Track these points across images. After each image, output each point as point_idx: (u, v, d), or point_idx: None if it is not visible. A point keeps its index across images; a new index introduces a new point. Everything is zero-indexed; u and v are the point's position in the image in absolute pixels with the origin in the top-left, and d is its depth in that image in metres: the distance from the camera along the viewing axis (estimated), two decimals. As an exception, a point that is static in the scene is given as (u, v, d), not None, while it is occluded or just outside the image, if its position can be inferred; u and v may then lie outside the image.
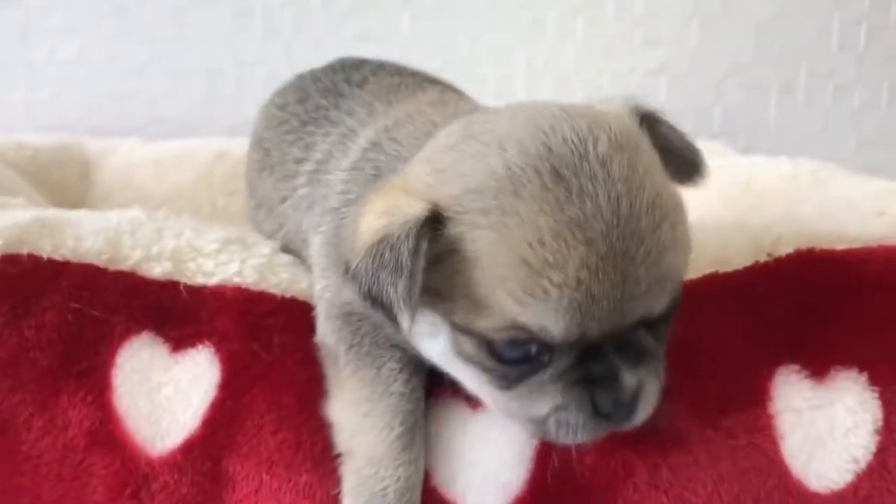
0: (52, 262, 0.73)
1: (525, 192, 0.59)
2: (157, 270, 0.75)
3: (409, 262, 0.59)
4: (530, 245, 0.58)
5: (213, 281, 0.75)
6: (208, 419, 0.68)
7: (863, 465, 0.66)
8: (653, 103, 0.68)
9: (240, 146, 1.76)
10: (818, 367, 0.68)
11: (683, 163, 0.70)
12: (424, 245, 0.60)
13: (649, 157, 0.64)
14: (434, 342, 0.66)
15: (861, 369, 0.68)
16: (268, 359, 0.70)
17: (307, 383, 0.70)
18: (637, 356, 0.62)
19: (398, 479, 0.65)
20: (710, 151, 1.59)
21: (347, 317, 0.72)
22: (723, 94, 2.03)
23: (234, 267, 0.76)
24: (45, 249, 0.73)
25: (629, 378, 0.60)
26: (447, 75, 1.96)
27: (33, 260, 0.72)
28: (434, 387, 0.70)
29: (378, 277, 0.60)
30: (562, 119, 0.62)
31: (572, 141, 0.60)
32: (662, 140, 0.68)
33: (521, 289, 0.58)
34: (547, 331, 0.59)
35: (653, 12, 1.99)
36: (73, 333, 0.69)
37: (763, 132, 2.04)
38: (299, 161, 0.90)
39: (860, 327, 0.69)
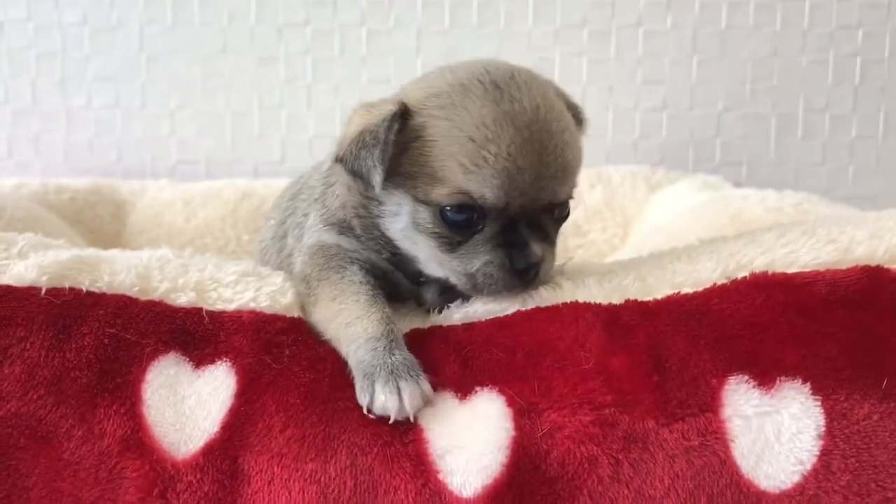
0: (90, 294, 0.83)
1: (471, 94, 0.84)
2: (182, 300, 0.85)
3: (382, 137, 0.83)
4: (476, 127, 0.82)
5: (231, 307, 0.85)
6: (226, 424, 0.77)
7: (808, 466, 0.74)
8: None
9: (263, 186, 1.88)
10: (766, 377, 0.76)
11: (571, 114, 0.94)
12: (395, 126, 0.84)
13: (554, 91, 0.93)
14: (398, 219, 0.89)
15: (804, 380, 0.75)
16: (278, 368, 0.80)
17: (311, 383, 0.79)
18: (542, 236, 0.87)
19: (376, 321, 0.83)
20: (706, 185, 1.69)
21: (320, 249, 0.95)
22: (723, 128, 2.11)
23: (249, 294, 0.86)
24: (84, 283, 0.84)
25: (536, 248, 0.85)
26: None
27: (74, 292, 0.82)
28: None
29: (360, 154, 0.85)
30: (492, 60, 0.91)
31: (503, 69, 0.87)
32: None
33: (468, 160, 0.82)
34: (484, 197, 0.82)
35: (653, 52, 2.08)
36: (108, 355, 0.79)
37: (763, 164, 2.11)
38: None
39: (805, 342, 0.77)
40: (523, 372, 0.79)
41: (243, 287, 0.88)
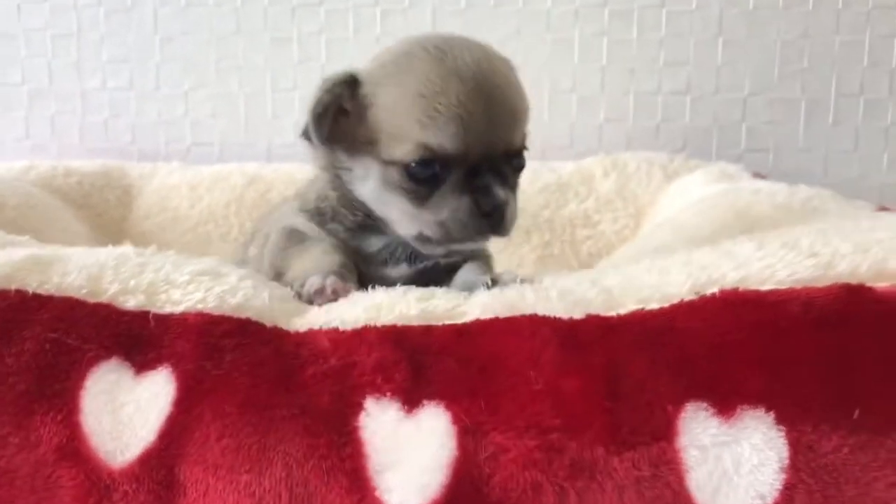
0: (36, 297, 0.81)
1: (415, 58, 0.91)
2: (131, 302, 0.83)
3: (324, 99, 0.93)
4: (423, 84, 0.89)
5: (179, 309, 0.83)
6: (163, 433, 0.74)
7: (769, 501, 0.69)
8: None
9: (272, 171, 1.87)
10: (726, 405, 0.71)
11: None
12: (338, 91, 0.93)
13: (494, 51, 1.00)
14: (367, 182, 0.96)
15: (768, 408, 0.70)
16: (217, 374, 0.77)
17: (249, 390, 0.76)
18: (503, 181, 0.93)
19: (334, 262, 0.96)
20: (723, 174, 1.62)
21: (289, 232, 1.05)
22: (749, 113, 2.03)
23: (198, 295, 0.84)
24: (32, 285, 0.82)
25: (500, 191, 0.91)
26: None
27: (20, 295, 0.81)
28: (375, 392, 0.75)
29: (313, 116, 0.94)
30: (435, 32, 1.02)
31: (443, 36, 0.96)
32: None
33: (422, 114, 0.88)
34: (443, 146, 0.89)
35: (676, 32, 2.00)
36: (48, 360, 0.77)
37: (791, 151, 2.03)
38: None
39: (771, 367, 0.72)
40: (474, 387, 0.75)
41: (194, 287, 0.85)
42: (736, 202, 1.35)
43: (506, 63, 1.00)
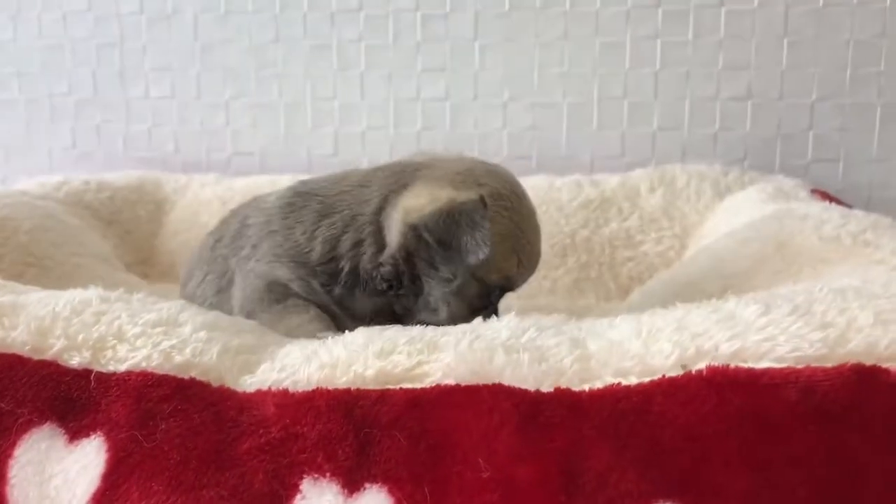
0: (-25, 354, 0.77)
1: (519, 202, 1.05)
2: (75, 360, 0.78)
3: (483, 224, 0.94)
4: (524, 231, 1.04)
5: (123, 367, 0.77)
6: (88, 509, 0.70)
7: None
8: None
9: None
10: (700, 510, 0.61)
11: None
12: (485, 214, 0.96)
13: None
14: (447, 285, 1.01)
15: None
16: (148, 447, 0.71)
17: (178, 467, 0.70)
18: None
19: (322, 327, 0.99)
20: (779, 192, 1.49)
21: (271, 285, 1.05)
22: (817, 119, 1.87)
23: (145, 352, 0.78)
24: (-26, 340, 0.78)
25: (498, 311, 1.04)
26: (517, 105, 1.94)
27: (-43, 351, 0.77)
28: (314, 472, 0.68)
29: (451, 229, 0.96)
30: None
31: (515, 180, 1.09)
32: None
33: (525, 256, 1.04)
34: (513, 283, 1.05)
35: (737, 34, 1.86)
36: (-23, 426, 0.73)
37: (863, 161, 1.87)
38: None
39: (759, 467, 0.61)
40: (421, 470, 0.68)
41: (143, 342, 0.80)
42: (780, 233, 1.22)
43: None
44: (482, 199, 0.98)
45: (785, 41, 1.85)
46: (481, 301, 1.02)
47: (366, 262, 1.03)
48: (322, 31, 2.01)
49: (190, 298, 1.16)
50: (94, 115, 2.13)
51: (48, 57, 2.11)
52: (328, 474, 0.69)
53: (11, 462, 0.72)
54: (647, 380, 0.69)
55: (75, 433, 0.74)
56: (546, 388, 0.71)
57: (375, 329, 0.86)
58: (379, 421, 0.71)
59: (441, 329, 0.82)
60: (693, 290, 1.21)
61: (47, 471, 0.72)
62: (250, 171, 2.06)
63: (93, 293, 0.89)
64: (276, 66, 2.04)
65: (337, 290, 1.04)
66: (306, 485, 0.68)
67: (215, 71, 2.06)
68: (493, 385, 0.71)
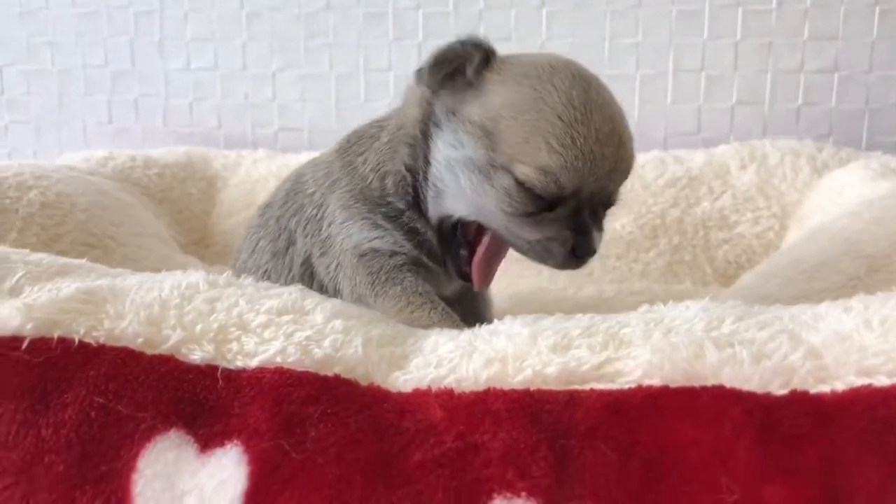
0: (82, 348, 0.65)
1: (559, 74, 0.83)
2: (196, 355, 0.66)
3: (455, 48, 0.85)
4: (564, 106, 0.81)
5: (253, 363, 0.66)
6: (232, 537, 0.58)
7: None
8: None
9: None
10: None
11: None
12: (471, 53, 0.85)
13: None
14: (454, 150, 0.88)
15: None
16: (298, 458, 0.60)
17: (338, 483, 0.59)
18: (600, 225, 0.89)
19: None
20: (887, 169, 1.37)
21: (362, 257, 0.94)
22: (910, 94, 1.75)
23: (277, 344, 0.67)
24: (79, 332, 0.66)
25: (596, 236, 0.87)
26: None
27: (63, 345, 0.65)
28: (506, 490, 0.57)
29: (434, 57, 0.86)
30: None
31: (585, 69, 0.87)
32: None
33: (555, 139, 0.81)
34: (566, 182, 0.82)
35: (824, 3, 1.74)
36: (93, 433, 0.61)
37: (960, 139, 1.74)
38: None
39: None
40: (638, 490, 0.56)
41: (273, 332, 0.68)
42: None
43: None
44: (486, 47, 0.87)
45: (877, 9, 1.74)
46: (530, 204, 0.84)
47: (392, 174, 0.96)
48: (377, -3, 1.89)
49: (241, 273, 1.07)
50: (131, 88, 2.00)
51: (83, 25, 1.98)
52: (524, 493, 0.57)
53: (136, 476, 0.61)
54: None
55: (207, 441, 0.62)
56: (776, 390, 0.59)
57: (530, 318, 0.74)
58: (575, 429, 0.60)
59: (617, 318, 0.70)
60: (829, 271, 1.10)
61: (178, 486, 0.60)
62: (298, 147, 1.94)
63: (199, 277, 0.77)
64: (328, 36, 1.91)
65: (407, 247, 0.96)
66: (498, 506, 0.57)
67: (262, 40, 1.94)
68: (714, 387, 0.60)
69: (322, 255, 1.00)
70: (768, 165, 1.56)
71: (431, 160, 0.92)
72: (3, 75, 2.03)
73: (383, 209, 0.95)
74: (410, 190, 0.95)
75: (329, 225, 0.99)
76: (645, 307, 0.75)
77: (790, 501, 0.53)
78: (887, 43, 1.74)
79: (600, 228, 0.89)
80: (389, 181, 0.95)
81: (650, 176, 1.56)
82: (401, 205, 0.95)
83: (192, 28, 1.95)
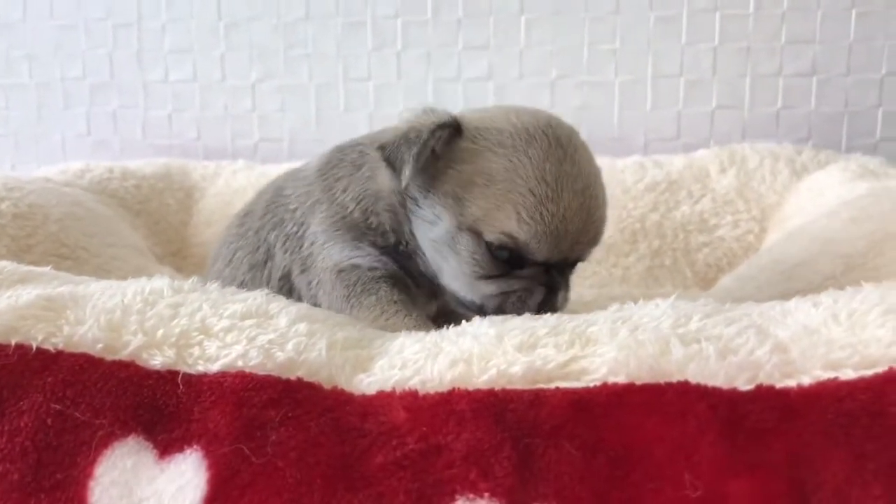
0: (40, 354, 0.64)
1: (536, 143, 0.84)
2: (157, 360, 0.65)
3: (424, 138, 0.84)
4: (537, 181, 0.82)
5: (215, 367, 0.65)
6: (190, 544, 0.57)
7: None
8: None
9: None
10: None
11: None
12: (440, 134, 0.85)
13: None
14: (432, 229, 0.89)
15: None
16: (258, 463, 0.59)
17: (297, 487, 0.58)
18: (564, 283, 0.89)
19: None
20: (864, 170, 1.38)
21: (340, 272, 0.94)
22: (886, 96, 1.75)
23: (239, 348, 0.66)
24: (37, 338, 0.65)
25: (561, 295, 0.88)
26: (566, 84, 1.82)
27: (20, 351, 0.64)
28: (468, 491, 0.56)
29: (400, 147, 0.85)
30: (548, 114, 0.90)
31: (565, 128, 0.88)
32: None
33: (525, 211, 0.82)
34: (529, 249, 0.83)
35: (801, 6, 1.74)
36: (49, 441, 0.60)
37: (938, 140, 1.75)
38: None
39: None
40: (604, 487, 0.55)
41: (235, 336, 0.67)
42: (894, 211, 1.10)
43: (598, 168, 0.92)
44: (454, 120, 0.86)
45: (853, 12, 1.74)
46: (492, 267, 0.85)
47: (385, 220, 0.95)
48: (355, 7, 1.88)
49: (217, 279, 1.05)
50: (110, 100, 1.99)
51: (61, 38, 1.97)
52: (486, 494, 0.56)
53: (92, 484, 0.59)
54: (869, 373, 0.57)
55: (166, 447, 0.61)
56: (742, 385, 0.59)
57: (499, 318, 0.73)
58: (539, 428, 0.59)
59: (585, 317, 0.70)
60: (807, 272, 1.10)
61: (136, 493, 0.59)
62: (278, 158, 1.93)
63: (163, 282, 0.77)
64: (307, 46, 1.91)
65: (386, 264, 0.95)
66: (461, 508, 0.56)
67: (241, 51, 1.93)
68: (679, 383, 0.59)
69: (303, 272, 0.99)
70: (748, 169, 1.56)
71: (416, 234, 0.92)
72: (-20, 89, 2.02)
73: (370, 237, 0.95)
74: (397, 237, 0.95)
75: (311, 244, 0.99)
76: (615, 306, 0.74)
77: (755, 496, 0.52)
78: (864, 45, 1.75)
79: (567, 287, 0.90)
80: (374, 221, 0.95)
81: (630, 180, 1.56)
82: (391, 239, 0.95)
83: (171, 39, 1.95)
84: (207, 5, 1.92)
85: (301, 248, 1.00)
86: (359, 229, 0.95)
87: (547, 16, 1.82)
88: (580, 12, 1.82)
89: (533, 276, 0.86)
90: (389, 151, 0.86)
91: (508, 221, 0.82)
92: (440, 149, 0.87)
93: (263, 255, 1.05)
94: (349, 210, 0.95)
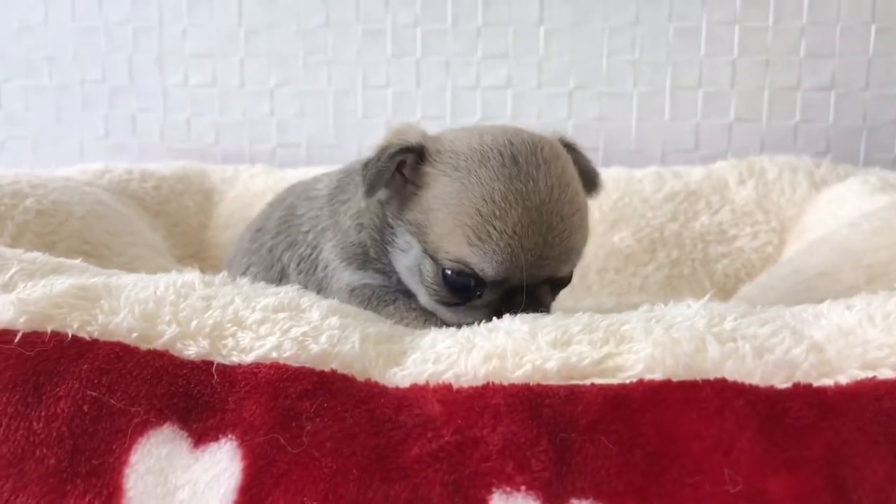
0: (76, 342, 0.65)
1: (488, 164, 0.82)
2: (191, 350, 0.65)
3: (384, 163, 0.84)
4: (484, 200, 0.80)
5: (249, 358, 0.65)
6: (225, 532, 0.57)
7: None
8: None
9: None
10: None
11: (587, 180, 0.93)
12: (399, 158, 0.85)
13: (573, 169, 0.89)
14: (405, 257, 0.89)
15: None
16: (294, 453, 0.59)
17: (334, 477, 0.58)
18: (538, 303, 0.84)
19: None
20: (885, 183, 1.37)
21: (353, 290, 0.95)
22: (907, 111, 1.75)
23: (273, 340, 0.66)
24: (72, 326, 0.66)
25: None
26: (584, 94, 1.82)
27: (56, 339, 0.64)
28: (504, 484, 0.56)
29: (365, 169, 0.85)
30: (520, 131, 0.87)
31: (527, 143, 0.84)
32: (575, 163, 0.91)
33: (472, 232, 0.80)
34: (484, 271, 0.81)
35: (820, 19, 1.75)
36: (86, 427, 0.60)
37: (958, 155, 1.75)
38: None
39: None
40: (642, 482, 0.55)
41: (269, 329, 0.67)
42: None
43: (577, 184, 0.88)
44: (418, 145, 0.85)
45: (873, 27, 1.75)
46: (450, 296, 0.84)
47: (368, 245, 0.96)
48: (375, 14, 1.89)
49: None
50: (129, 104, 2.00)
51: (81, 41, 1.99)
52: (523, 488, 0.56)
53: (128, 471, 0.59)
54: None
55: (201, 436, 0.61)
56: (779, 384, 0.59)
57: (530, 315, 0.74)
58: (576, 423, 0.59)
59: (617, 316, 0.70)
60: (830, 282, 1.10)
61: (171, 481, 0.59)
62: (296, 163, 1.94)
63: (194, 276, 0.77)
64: (326, 52, 1.92)
65: (395, 285, 0.95)
66: (497, 501, 0.56)
67: (260, 57, 1.94)
68: (716, 380, 0.59)
69: (319, 293, 1.00)
70: (766, 180, 1.56)
71: (393, 262, 0.92)
72: (0, 91, 2.03)
73: (373, 265, 0.95)
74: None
75: (325, 268, 1.00)
76: (646, 306, 0.74)
77: (795, 492, 0.52)
78: (884, 60, 1.75)
79: (546, 307, 0.86)
80: (368, 241, 0.95)
81: (648, 190, 1.56)
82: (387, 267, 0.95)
83: (191, 44, 1.96)
84: (228, 11, 1.93)
85: (315, 270, 1.01)
86: (364, 257, 0.96)
87: (566, 26, 1.83)
88: (599, 23, 1.82)
89: (489, 303, 0.83)
90: (362, 173, 0.87)
91: (460, 247, 0.81)
92: (409, 173, 0.86)
93: (278, 273, 1.07)
94: (350, 238, 0.96)
